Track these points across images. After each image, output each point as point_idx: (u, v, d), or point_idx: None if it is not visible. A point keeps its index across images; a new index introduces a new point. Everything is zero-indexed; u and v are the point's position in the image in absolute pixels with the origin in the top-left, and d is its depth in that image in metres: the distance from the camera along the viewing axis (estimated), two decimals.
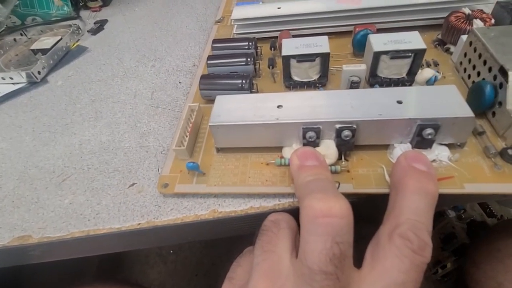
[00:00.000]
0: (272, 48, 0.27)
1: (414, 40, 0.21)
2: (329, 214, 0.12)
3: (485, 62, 0.19)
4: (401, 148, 0.18)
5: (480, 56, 0.20)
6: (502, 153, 0.17)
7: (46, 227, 0.19)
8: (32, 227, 0.19)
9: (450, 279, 0.54)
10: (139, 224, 0.19)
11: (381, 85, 0.22)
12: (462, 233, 0.53)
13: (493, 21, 0.23)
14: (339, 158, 0.19)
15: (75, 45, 0.37)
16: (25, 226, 0.19)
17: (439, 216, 0.56)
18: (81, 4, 0.45)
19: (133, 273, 0.68)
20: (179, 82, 0.29)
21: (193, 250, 0.70)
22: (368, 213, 0.18)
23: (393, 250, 0.13)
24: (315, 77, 0.23)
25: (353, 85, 0.22)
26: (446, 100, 0.17)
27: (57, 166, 0.23)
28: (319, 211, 0.12)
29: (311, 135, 0.18)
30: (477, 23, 0.23)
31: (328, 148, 0.18)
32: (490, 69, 0.19)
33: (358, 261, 0.14)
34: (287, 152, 0.19)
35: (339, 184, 0.18)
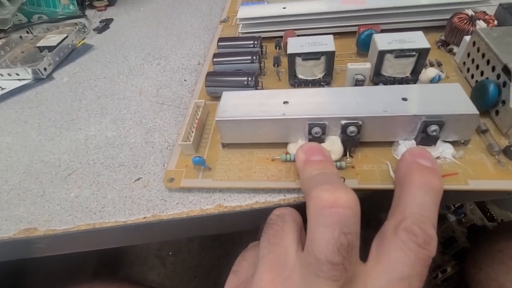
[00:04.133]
0: (277, 47, 0.27)
1: (418, 40, 0.21)
2: (337, 205, 0.12)
3: (488, 62, 0.20)
4: (405, 145, 0.18)
5: (483, 55, 0.20)
6: (506, 151, 0.18)
7: (51, 219, 0.19)
8: (38, 219, 0.19)
9: (450, 283, 0.54)
10: (145, 217, 0.19)
11: (385, 84, 0.23)
12: (463, 237, 0.53)
13: (495, 22, 0.23)
14: (344, 154, 0.19)
15: (81, 43, 0.37)
16: (31, 218, 0.20)
17: (439, 220, 0.56)
18: (86, 3, 0.46)
19: (132, 275, 0.68)
20: (184, 80, 0.29)
21: (192, 252, 0.70)
22: (373, 208, 0.18)
23: (399, 244, 0.13)
24: (319, 75, 0.24)
25: (358, 83, 0.22)
26: (450, 97, 0.18)
27: (63, 161, 0.23)
28: (327, 201, 0.13)
29: (317, 131, 0.18)
30: (480, 24, 0.23)
31: (333, 144, 0.18)
32: (493, 68, 0.19)
33: (363, 259, 0.14)
34: (292, 148, 0.19)
35: (344, 179, 0.18)
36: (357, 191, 0.17)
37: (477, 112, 0.17)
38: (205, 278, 0.65)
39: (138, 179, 0.21)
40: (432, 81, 0.22)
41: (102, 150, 0.23)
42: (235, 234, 0.68)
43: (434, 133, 0.17)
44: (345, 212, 0.12)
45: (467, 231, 0.54)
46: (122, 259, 0.70)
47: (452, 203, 0.54)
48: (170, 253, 0.70)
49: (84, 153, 0.23)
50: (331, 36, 0.23)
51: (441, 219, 0.55)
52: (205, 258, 0.68)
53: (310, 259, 0.12)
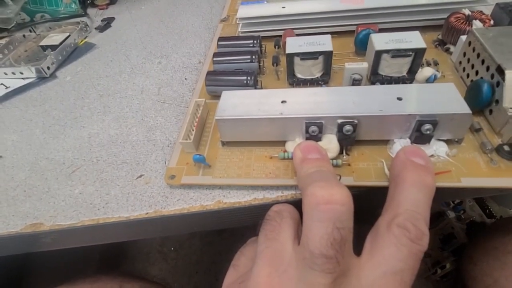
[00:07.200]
0: (276, 46, 0.28)
1: (414, 40, 0.22)
2: (331, 201, 0.13)
3: (483, 62, 0.20)
4: (400, 143, 0.19)
5: (478, 55, 0.21)
6: (498, 149, 0.18)
7: (57, 215, 0.20)
8: (44, 215, 0.20)
9: (449, 279, 0.54)
10: (147, 213, 0.19)
11: (382, 83, 0.23)
12: (462, 233, 0.53)
13: (492, 22, 0.24)
14: (341, 152, 0.19)
15: (83, 41, 0.38)
16: (37, 214, 0.20)
17: (438, 216, 0.56)
18: (88, 2, 0.46)
19: (134, 270, 0.69)
20: (185, 79, 0.30)
21: (193, 248, 0.70)
22: (368, 205, 0.19)
23: (392, 239, 0.13)
24: (318, 74, 0.24)
25: (355, 82, 0.22)
26: (444, 97, 0.18)
27: (67, 158, 0.24)
28: (321, 198, 0.13)
29: (313, 130, 0.19)
30: (477, 24, 0.23)
31: (330, 142, 0.19)
32: (488, 68, 0.20)
33: (358, 254, 0.15)
34: (290, 146, 0.20)
35: (340, 177, 0.18)
36: (353, 188, 0.18)
37: (470, 112, 0.17)
38: (206, 273, 0.66)
39: (140, 176, 0.22)
40: (428, 80, 0.22)
41: (105, 148, 0.24)
42: (236, 230, 0.69)
43: (428, 132, 0.18)
44: (339, 208, 0.13)
45: (466, 228, 0.54)
46: (124, 254, 0.71)
47: (445, 200, 0.54)
48: (172, 248, 0.71)
49: (87, 150, 0.24)
50: (329, 36, 0.23)
51: (441, 215, 0.56)
52: (206, 254, 0.69)
53: (305, 253, 0.13)
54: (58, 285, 0.30)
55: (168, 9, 0.43)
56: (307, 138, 0.19)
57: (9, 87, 0.31)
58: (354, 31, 0.27)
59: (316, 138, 0.19)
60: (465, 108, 0.17)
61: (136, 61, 0.33)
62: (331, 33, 0.25)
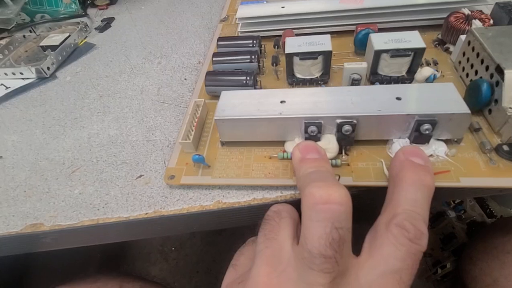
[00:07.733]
0: (276, 46, 0.28)
1: (414, 39, 0.22)
2: (329, 201, 0.13)
3: (482, 61, 0.20)
4: (399, 143, 0.19)
5: (478, 55, 0.21)
6: (497, 149, 0.18)
7: (57, 215, 0.20)
8: (44, 215, 0.20)
9: (450, 279, 0.54)
10: (147, 213, 0.19)
11: (381, 83, 0.23)
12: (462, 233, 0.53)
13: (491, 21, 0.24)
14: (340, 152, 0.19)
15: (83, 42, 0.38)
16: (37, 214, 0.20)
17: (439, 216, 0.56)
18: (88, 2, 0.46)
19: (134, 270, 0.69)
20: (185, 79, 0.30)
21: (194, 248, 0.71)
22: (367, 205, 0.19)
23: (390, 239, 0.14)
24: (317, 74, 0.24)
25: (354, 82, 0.22)
26: (443, 97, 0.18)
27: (67, 158, 0.24)
28: (319, 198, 0.13)
29: (312, 130, 0.19)
30: (476, 24, 0.23)
31: (329, 142, 0.19)
32: (487, 68, 0.20)
33: (357, 254, 0.15)
34: (289, 146, 0.20)
35: (339, 177, 0.18)
36: (352, 188, 0.18)
37: (469, 112, 0.17)
38: (207, 273, 0.66)
39: (140, 176, 0.22)
40: (428, 80, 0.22)
41: (105, 148, 0.24)
42: (236, 229, 0.69)
43: (427, 132, 0.18)
44: (337, 208, 0.13)
45: (467, 228, 0.54)
46: (125, 255, 0.71)
47: (444, 200, 0.54)
48: (173, 248, 0.71)
49: (87, 151, 0.24)
50: (328, 35, 0.23)
51: (441, 215, 0.56)
52: (207, 253, 0.69)
53: (304, 252, 0.13)
54: (58, 285, 0.30)
55: (168, 9, 0.43)
56: (306, 138, 0.19)
57: (9, 87, 0.32)
58: (353, 31, 0.27)
59: (315, 138, 0.19)
60: (464, 108, 0.17)
61: (136, 61, 0.34)
62: (331, 33, 0.25)
